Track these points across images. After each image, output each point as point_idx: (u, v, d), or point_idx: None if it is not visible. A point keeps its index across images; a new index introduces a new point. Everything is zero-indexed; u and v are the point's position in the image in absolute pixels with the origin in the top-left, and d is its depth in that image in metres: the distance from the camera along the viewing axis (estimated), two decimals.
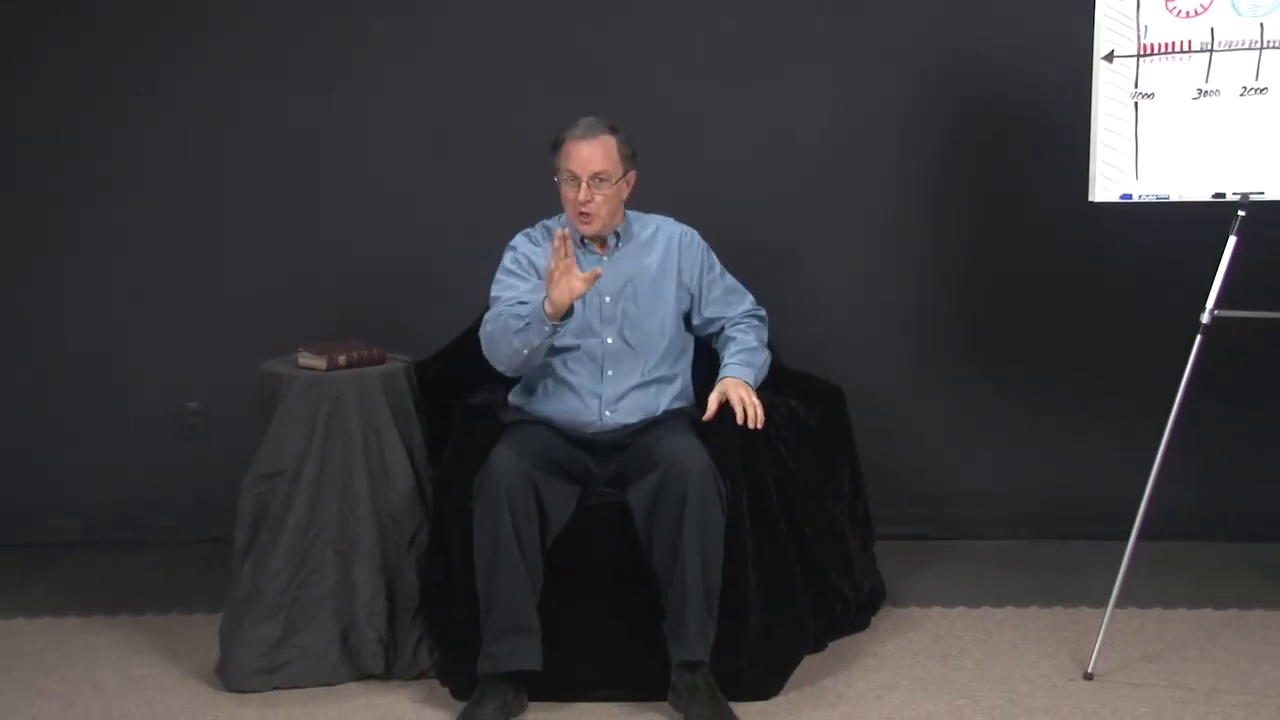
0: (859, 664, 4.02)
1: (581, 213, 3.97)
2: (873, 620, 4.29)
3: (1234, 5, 3.85)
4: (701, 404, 3.99)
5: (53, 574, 4.84)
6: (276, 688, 3.89)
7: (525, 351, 3.87)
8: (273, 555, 3.90)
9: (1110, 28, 3.97)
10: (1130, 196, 3.99)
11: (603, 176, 3.94)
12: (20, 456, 5.13)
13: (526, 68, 4.96)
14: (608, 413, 4.00)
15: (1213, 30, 3.87)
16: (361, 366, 4.06)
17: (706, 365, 4.14)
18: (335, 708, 3.81)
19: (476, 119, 4.98)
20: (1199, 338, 3.87)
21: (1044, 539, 4.99)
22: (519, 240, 4.13)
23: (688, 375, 4.16)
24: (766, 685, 3.82)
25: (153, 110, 5.02)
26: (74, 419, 5.13)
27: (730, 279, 4.22)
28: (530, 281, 4.02)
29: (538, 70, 4.96)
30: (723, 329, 4.18)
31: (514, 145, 4.87)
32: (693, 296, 4.16)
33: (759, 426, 3.88)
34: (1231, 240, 3.86)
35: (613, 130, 3.98)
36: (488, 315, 4.00)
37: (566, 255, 3.70)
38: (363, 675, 3.94)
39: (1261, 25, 3.82)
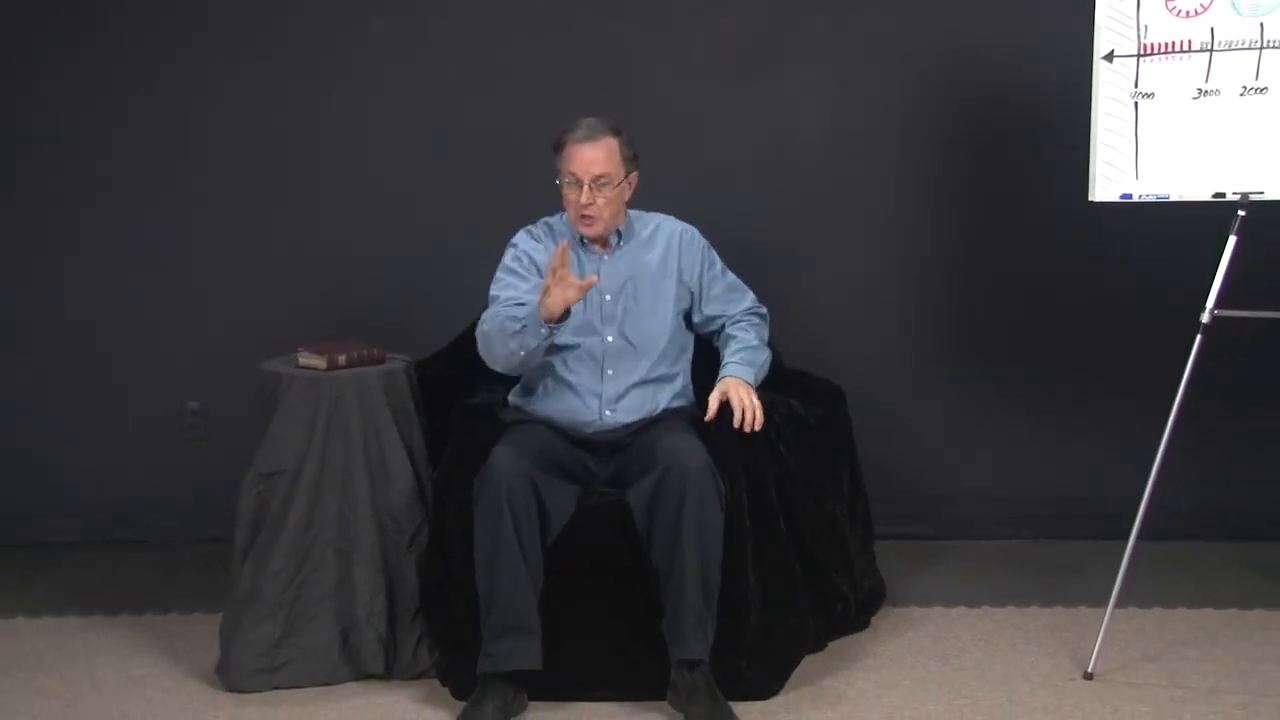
0: (859, 664, 4.01)
1: (583, 215, 3.97)
2: (873, 620, 4.29)
3: (1234, 5, 3.85)
4: (701, 403, 3.99)
5: (53, 574, 4.84)
6: (276, 687, 3.88)
7: (522, 353, 3.88)
8: (273, 555, 3.90)
9: (1110, 27, 3.97)
10: (1130, 196, 3.99)
11: (604, 180, 3.94)
12: (20, 456, 5.13)
13: (526, 68, 4.96)
14: (608, 412, 4.00)
15: (1213, 30, 3.87)
16: (361, 366, 4.06)
17: (707, 364, 4.14)
18: (335, 707, 3.81)
19: (476, 119, 4.98)
20: (1199, 337, 3.87)
21: (1044, 539, 5.00)
22: (520, 237, 4.13)
23: (688, 374, 4.17)
24: (766, 685, 3.82)
25: (153, 110, 5.02)
26: (74, 419, 5.13)
27: (731, 277, 4.22)
28: (530, 281, 4.02)
29: (538, 70, 4.96)
30: (723, 327, 4.18)
31: (514, 145, 4.88)
32: (693, 294, 4.15)
33: (757, 429, 3.88)
34: (1231, 240, 3.86)
35: (615, 132, 3.98)
36: (485, 315, 4.00)
37: (562, 265, 3.70)
38: (363, 675, 3.94)
39: (1261, 25, 3.83)
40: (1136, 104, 3.96)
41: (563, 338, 3.99)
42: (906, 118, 4.97)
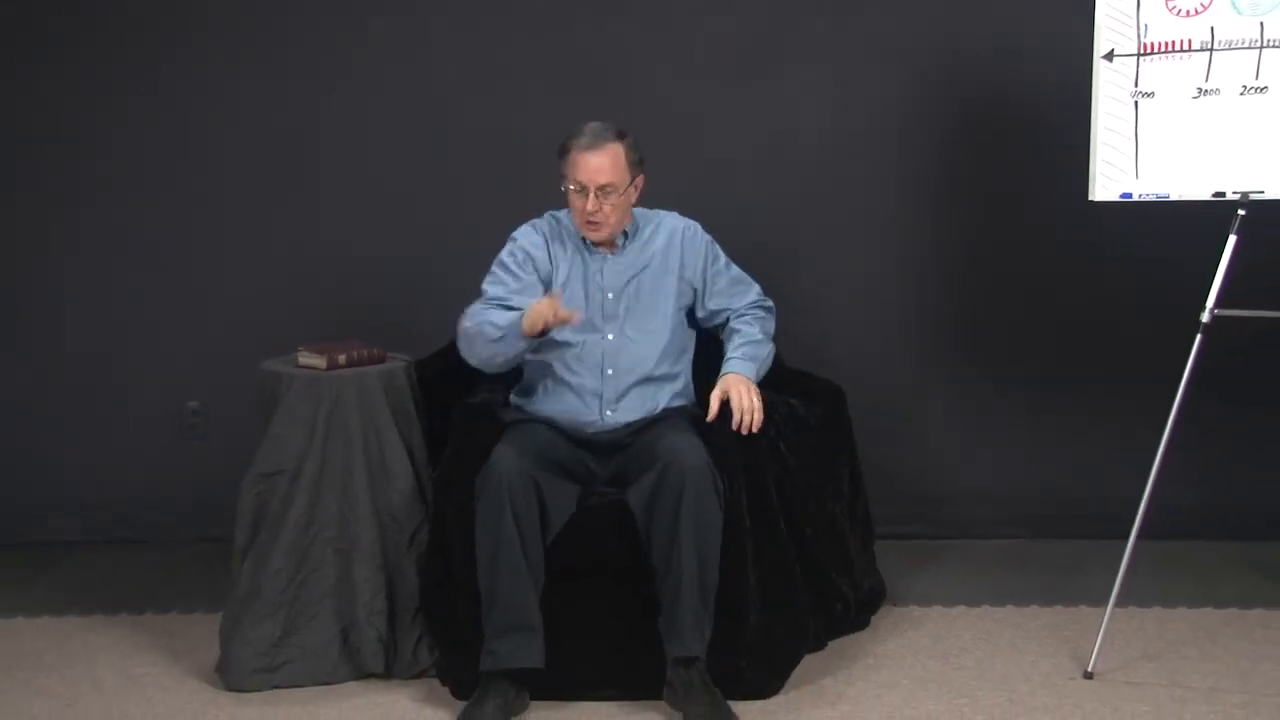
0: (859, 663, 4.01)
1: (589, 222, 3.96)
2: (873, 619, 4.29)
3: (1234, 4, 3.85)
4: (702, 401, 3.99)
5: (53, 573, 4.84)
6: (276, 687, 3.88)
7: (499, 359, 3.93)
8: (273, 554, 3.89)
9: (1110, 27, 3.97)
10: (1130, 196, 3.99)
11: (610, 188, 3.92)
12: (20, 456, 5.13)
13: (526, 68, 4.96)
14: (609, 412, 4.00)
15: (1213, 29, 3.87)
16: (361, 366, 4.06)
17: (708, 364, 4.13)
18: (335, 707, 3.81)
19: (476, 119, 4.98)
20: (1199, 337, 3.87)
21: (1044, 538, 5.00)
22: (523, 232, 4.12)
23: (688, 374, 4.16)
24: (766, 684, 3.82)
25: (153, 110, 5.02)
26: (74, 419, 5.13)
27: (736, 270, 4.21)
28: (522, 280, 4.03)
29: (538, 70, 4.96)
30: (728, 320, 4.16)
31: (514, 145, 4.89)
32: (696, 291, 4.15)
33: (755, 430, 3.87)
34: (1231, 239, 3.86)
35: (619, 136, 3.95)
36: (469, 310, 3.99)
37: (554, 315, 3.75)
38: (363, 674, 3.94)
39: (1261, 24, 3.83)
40: (1136, 103, 3.96)
41: (563, 336, 3.99)
42: (906, 118, 4.97)
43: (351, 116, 5.01)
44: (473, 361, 3.99)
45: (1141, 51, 3.95)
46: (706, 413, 3.91)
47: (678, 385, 4.10)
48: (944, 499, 5.07)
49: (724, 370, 3.99)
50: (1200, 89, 3.89)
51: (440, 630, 3.90)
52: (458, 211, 4.95)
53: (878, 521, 4.46)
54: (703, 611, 3.68)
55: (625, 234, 4.08)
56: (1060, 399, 5.02)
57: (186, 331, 5.10)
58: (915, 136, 4.98)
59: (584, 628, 3.78)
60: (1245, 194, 3.85)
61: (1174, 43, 3.91)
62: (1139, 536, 3.88)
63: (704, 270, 4.14)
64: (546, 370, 4.03)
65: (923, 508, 5.03)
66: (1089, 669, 3.88)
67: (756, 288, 4.22)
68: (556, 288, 4.01)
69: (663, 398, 4.05)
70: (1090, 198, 4.04)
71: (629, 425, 3.99)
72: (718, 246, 4.19)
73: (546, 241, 4.08)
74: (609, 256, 4.07)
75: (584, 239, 4.05)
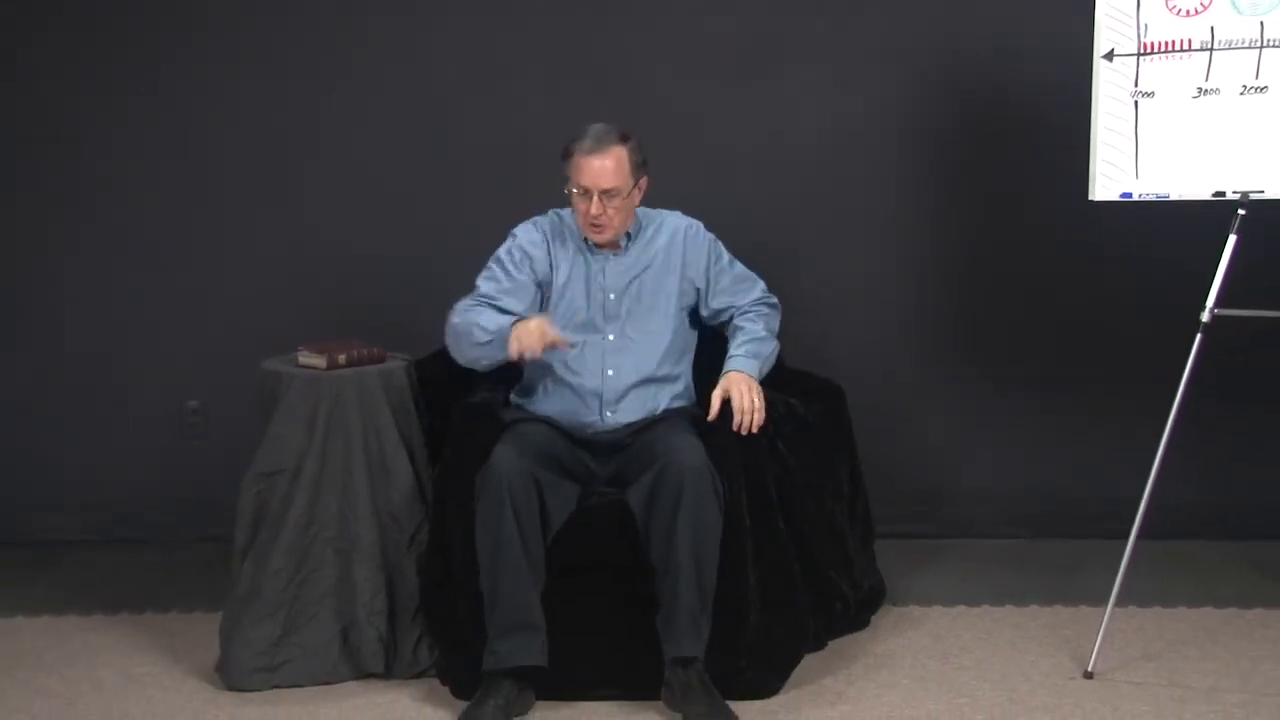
0: (859, 663, 4.01)
1: (593, 225, 3.96)
2: (873, 619, 4.29)
3: (1234, 4, 3.85)
4: (703, 401, 3.98)
5: (53, 573, 4.84)
6: (276, 686, 3.88)
7: (483, 361, 3.94)
8: (273, 554, 3.89)
9: (1110, 26, 3.97)
10: (1130, 195, 3.99)
11: (614, 192, 3.91)
12: (20, 456, 5.14)
13: (526, 68, 4.97)
14: (609, 413, 3.99)
15: (1213, 29, 3.87)
16: (361, 365, 4.06)
17: (709, 364, 4.13)
18: (335, 706, 3.81)
19: (476, 119, 4.98)
20: (1199, 337, 3.87)
21: (1044, 538, 5.00)
22: (524, 229, 4.11)
23: (689, 374, 4.16)
24: (766, 684, 3.82)
25: (153, 110, 5.02)
26: (74, 419, 5.13)
27: (740, 268, 4.19)
28: (515, 280, 4.02)
29: (538, 70, 4.96)
30: (733, 317, 4.15)
31: (514, 145, 4.89)
32: (699, 290, 4.14)
33: (755, 431, 3.87)
34: (1231, 239, 3.86)
35: (623, 139, 3.94)
36: (460, 305, 4.00)
37: (543, 340, 3.78)
38: (363, 674, 3.94)
39: (1261, 24, 3.83)
40: (1136, 103, 3.96)
41: (564, 336, 4.00)
42: (906, 118, 4.97)
43: (351, 116, 5.01)
44: (459, 359, 4.00)
45: (1141, 51, 3.95)
46: (707, 412, 3.90)
47: (678, 386, 4.10)
48: (944, 498, 5.07)
49: (726, 368, 3.97)
50: (1200, 89, 3.89)
51: (440, 630, 3.90)
52: (458, 211, 4.95)
53: (878, 521, 4.46)
54: (700, 612, 3.67)
55: (628, 235, 4.07)
56: (1060, 399, 5.02)
57: (186, 331, 5.10)
58: (915, 136, 4.98)
59: (584, 626, 3.78)
60: (1245, 194, 3.85)
61: (1174, 42, 3.91)
62: (1139, 536, 3.88)
63: (707, 269, 4.13)
64: (547, 370, 4.03)
65: (923, 507, 5.04)
66: (1089, 668, 3.88)
67: (761, 284, 4.20)
68: (557, 287, 4.02)
69: (663, 398, 4.05)
70: (1090, 197, 4.04)
71: (629, 426, 3.99)
72: (721, 245, 4.18)
73: (547, 241, 4.08)
74: (611, 257, 4.06)
75: (586, 239, 4.05)
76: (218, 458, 4.75)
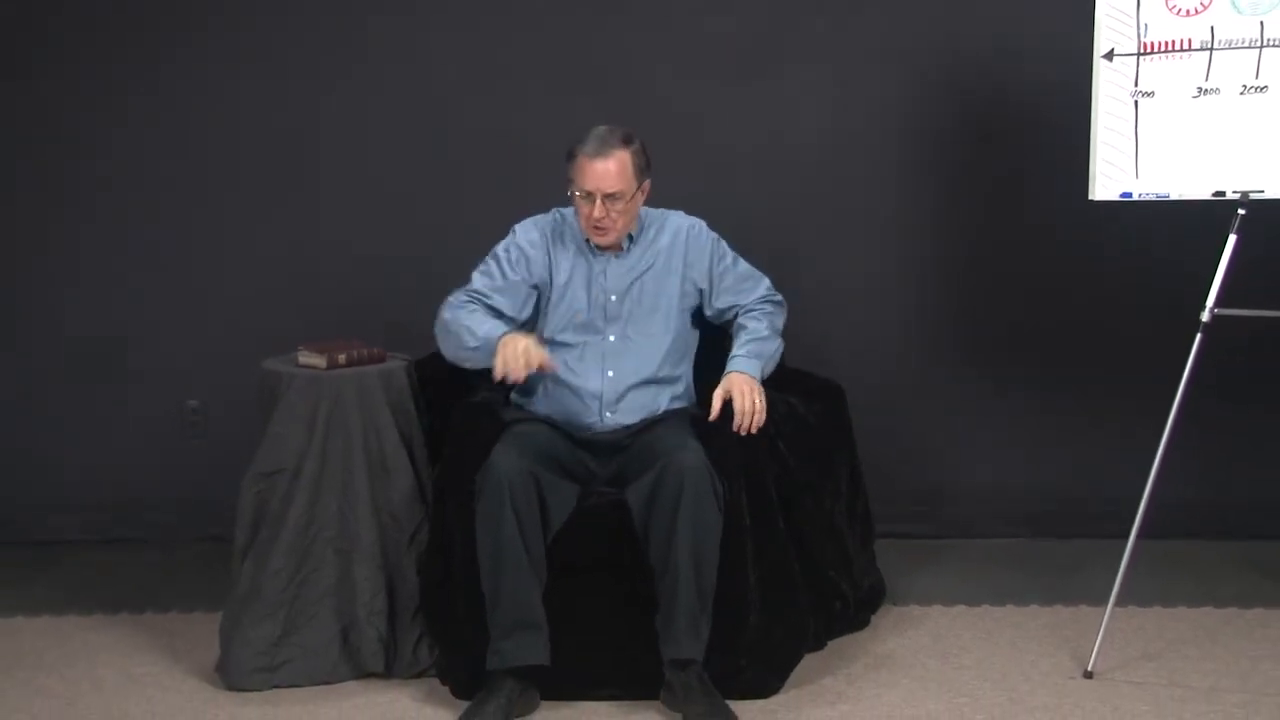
0: (859, 662, 4.01)
1: (596, 228, 3.95)
2: (872, 619, 4.29)
3: (1234, 3, 3.85)
4: (703, 402, 3.98)
5: (53, 572, 4.84)
6: (276, 686, 3.88)
7: (469, 364, 3.94)
8: (273, 554, 3.89)
9: (1110, 26, 3.97)
10: (1130, 195, 3.99)
11: (617, 195, 3.90)
12: (20, 456, 5.14)
13: (526, 68, 4.97)
14: (608, 414, 3.99)
15: (1213, 28, 3.87)
16: (361, 365, 4.06)
17: (709, 364, 4.12)
18: (335, 706, 3.81)
19: (476, 119, 4.98)
20: (1199, 336, 3.87)
21: (1044, 537, 5.00)
22: (524, 228, 4.11)
23: (689, 376, 4.15)
24: (766, 684, 3.82)
25: (153, 110, 5.02)
26: (74, 419, 5.14)
27: (744, 265, 4.17)
28: (509, 280, 4.02)
29: (538, 70, 4.96)
30: (737, 316, 4.13)
31: (514, 145, 4.89)
32: (702, 291, 4.12)
33: (754, 432, 3.87)
34: (1231, 239, 3.86)
35: (626, 142, 3.92)
36: (453, 299, 4.01)
37: (528, 363, 3.78)
38: (363, 674, 3.94)
39: (1261, 23, 3.83)
40: (1136, 103, 3.96)
41: (564, 337, 4.00)
42: (906, 118, 4.97)
43: (351, 116, 5.02)
44: (445, 354, 4.01)
45: (1141, 51, 3.95)
46: (706, 412, 3.89)
47: (678, 388, 4.09)
48: (944, 498, 5.08)
49: (728, 369, 3.96)
50: (1200, 88, 3.89)
51: (440, 630, 3.90)
52: (458, 211, 4.95)
53: (878, 520, 4.46)
54: (700, 613, 3.67)
55: (630, 236, 4.06)
56: (1060, 399, 5.02)
57: (186, 331, 5.10)
58: (915, 136, 4.98)
59: (584, 626, 3.78)
60: (1245, 193, 3.85)
61: (1174, 42, 3.91)
62: (1139, 535, 3.88)
63: (710, 269, 4.12)
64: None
65: (923, 507, 5.04)
66: (1089, 668, 3.88)
67: (766, 282, 4.18)
68: (557, 287, 4.02)
69: (663, 400, 4.05)
70: (1090, 197, 4.04)
71: (628, 427, 3.98)
72: (724, 243, 4.16)
73: (547, 241, 4.07)
74: (613, 258, 4.05)
75: (588, 240, 4.04)
76: (218, 458, 4.76)
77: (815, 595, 4.03)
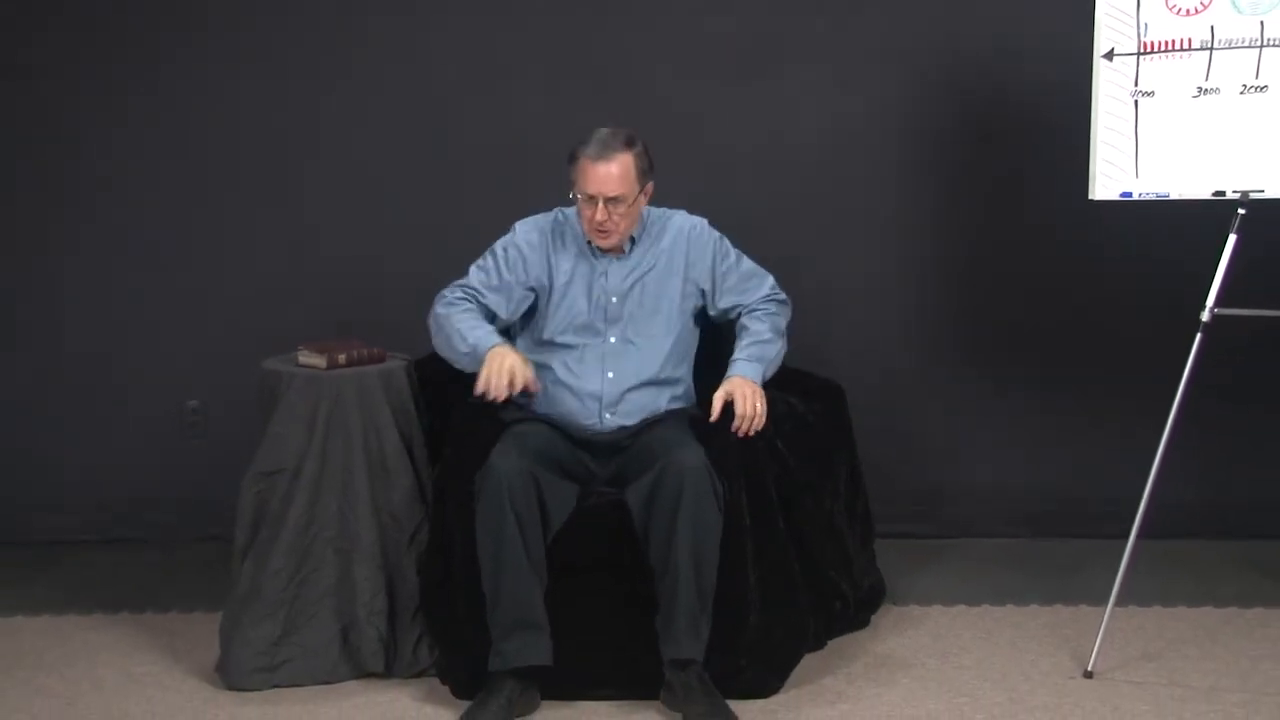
0: (859, 662, 4.01)
1: (598, 230, 3.94)
2: (872, 618, 4.29)
3: (1234, 3, 3.85)
4: (703, 402, 3.97)
5: (53, 572, 4.84)
6: (276, 686, 3.88)
7: (456, 365, 3.94)
8: (273, 553, 3.89)
9: (1110, 26, 3.97)
10: (1130, 194, 3.99)
11: (619, 199, 3.89)
12: (20, 456, 5.13)
13: (526, 68, 4.97)
14: (608, 415, 3.98)
15: (1213, 28, 3.87)
16: (361, 365, 4.06)
17: (709, 364, 4.12)
18: (335, 706, 3.80)
19: (476, 119, 4.98)
20: (1199, 336, 3.87)
21: (1044, 537, 5.00)
22: (524, 227, 4.10)
23: (690, 377, 4.14)
24: (766, 684, 3.82)
25: (153, 110, 5.02)
26: (74, 419, 5.13)
27: (748, 263, 4.15)
28: (504, 279, 4.02)
29: (538, 70, 4.96)
30: (740, 315, 4.11)
31: (514, 145, 4.89)
32: (704, 292, 4.11)
33: (753, 435, 3.86)
34: (1231, 238, 3.86)
35: (629, 145, 3.90)
36: (449, 295, 4.02)
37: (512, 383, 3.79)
38: (363, 673, 3.94)
39: (1262, 23, 3.83)
40: (1136, 102, 3.96)
41: (564, 338, 4.00)
42: (906, 118, 4.97)
43: (351, 116, 5.01)
44: (436, 349, 4.02)
45: (1141, 50, 3.95)
46: (706, 413, 3.89)
47: (679, 389, 4.08)
48: (944, 498, 5.08)
49: (730, 372, 3.95)
50: (1200, 88, 3.89)
51: (440, 629, 3.90)
52: (457, 211, 4.95)
53: (878, 520, 4.46)
54: (700, 613, 3.67)
55: (632, 238, 4.05)
56: (1060, 399, 5.02)
57: (186, 331, 5.10)
58: (915, 136, 4.98)
59: (584, 626, 3.77)
60: (1245, 193, 3.85)
61: (1174, 42, 3.91)
62: (1139, 535, 3.88)
63: (712, 269, 4.10)
64: (547, 372, 4.02)
65: (923, 506, 5.04)
66: (1089, 668, 3.88)
67: (770, 280, 4.16)
68: (558, 287, 4.01)
69: (663, 401, 4.03)
70: (1090, 197, 4.04)
71: (627, 429, 3.98)
72: (727, 242, 4.14)
73: (546, 242, 4.06)
74: (614, 260, 4.04)
75: (589, 242, 4.03)
76: (218, 458, 4.76)
77: (815, 595, 4.03)
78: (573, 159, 3.91)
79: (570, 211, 4.06)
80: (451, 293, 4.02)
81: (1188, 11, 3.89)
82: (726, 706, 3.63)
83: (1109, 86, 3.98)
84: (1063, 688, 3.82)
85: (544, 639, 3.67)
